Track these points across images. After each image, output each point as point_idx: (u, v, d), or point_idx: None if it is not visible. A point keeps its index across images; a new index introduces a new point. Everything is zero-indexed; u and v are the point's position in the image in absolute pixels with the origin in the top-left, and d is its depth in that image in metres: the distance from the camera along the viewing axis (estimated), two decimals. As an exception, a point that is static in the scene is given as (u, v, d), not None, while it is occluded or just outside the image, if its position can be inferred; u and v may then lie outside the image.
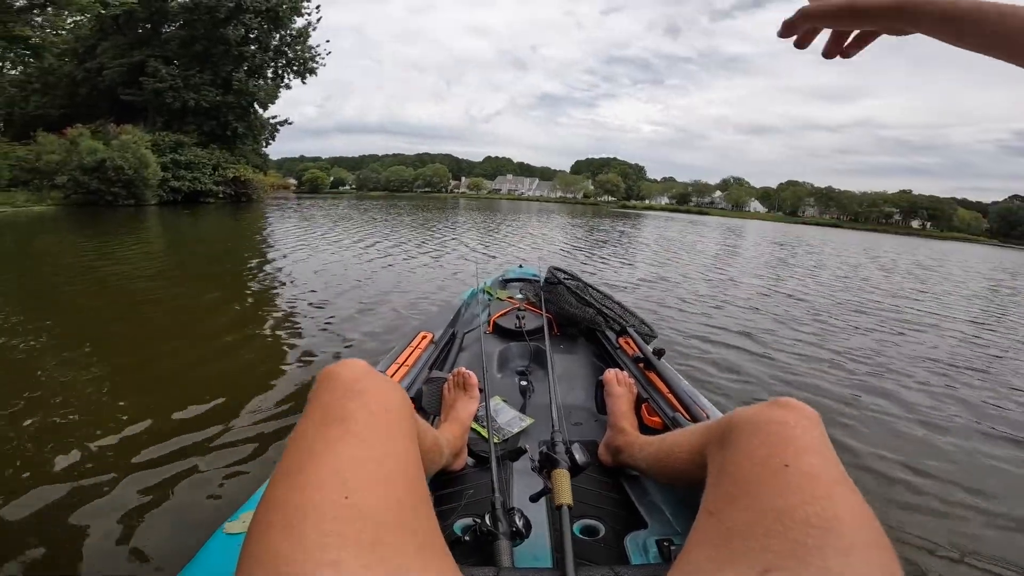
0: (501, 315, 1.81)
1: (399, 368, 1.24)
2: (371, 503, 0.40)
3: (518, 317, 1.75)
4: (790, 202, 74.33)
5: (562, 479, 0.68)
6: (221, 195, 18.21)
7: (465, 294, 2.19)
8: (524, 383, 1.34)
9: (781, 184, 79.73)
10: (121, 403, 2.02)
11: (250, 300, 4.01)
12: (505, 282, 2.47)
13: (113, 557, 1.20)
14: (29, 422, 1.83)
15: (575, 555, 0.56)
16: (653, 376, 1.25)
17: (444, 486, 0.90)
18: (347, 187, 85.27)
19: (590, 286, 1.77)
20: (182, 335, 3.02)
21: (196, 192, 17.10)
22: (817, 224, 59.14)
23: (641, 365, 1.33)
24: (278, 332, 3.11)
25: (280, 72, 21.57)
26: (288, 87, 21.93)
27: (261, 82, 20.56)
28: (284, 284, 4.57)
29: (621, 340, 1.59)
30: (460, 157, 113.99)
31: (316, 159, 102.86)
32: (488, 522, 0.66)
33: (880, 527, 0.40)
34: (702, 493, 0.51)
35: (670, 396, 1.12)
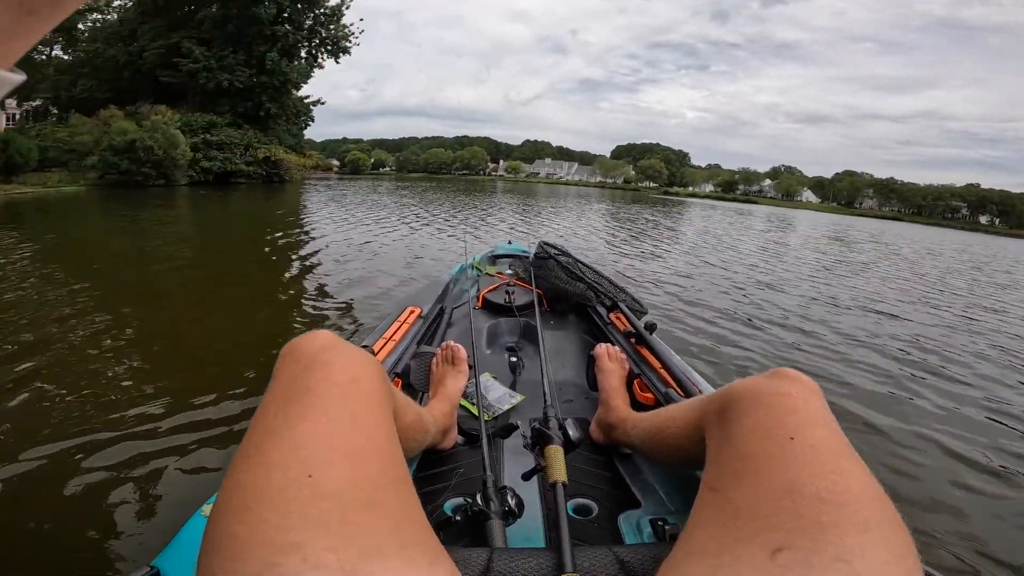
0: (490, 290, 1.78)
1: (386, 343, 1.20)
2: (337, 481, 0.37)
3: (507, 292, 1.71)
4: (846, 193, 70.15)
5: (556, 455, 0.67)
6: (253, 175, 18.24)
7: (454, 269, 2.14)
8: (514, 359, 1.32)
9: (837, 174, 75.36)
10: (121, 370, 2.10)
11: (274, 281, 4.04)
12: (494, 258, 2.42)
13: (92, 539, 1.18)
14: (29, 388, 1.89)
15: (569, 535, 0.53)
16: (645, 351, 1.23)
17: (433, 465, 0.88)
18: (387, 168, 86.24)
19: (580, 262, 1.73)
20: (201, 310, 3.13)
21: (227, 172, 17.16)
22: (876, 216, 55.59)
23: (633, 340, 1.30)
24: (304, 309, 3.21)
25: (313, 52, 21.45)
26: (321, 66, 21.82)
27: (295, 63, 20.43)
28: (316, 266, 4.57)
29: (612, 315, 1.56)
30: (499, 140, 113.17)
31: (358, 141, 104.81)
32: (479, 501, 0.64)
33: (889, 501, 0.39)
34: (696, 471, 0.49)
35: (662, 371, 1.10)
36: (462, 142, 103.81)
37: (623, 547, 0.54)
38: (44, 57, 20.12)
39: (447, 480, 0.82)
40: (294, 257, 5.03)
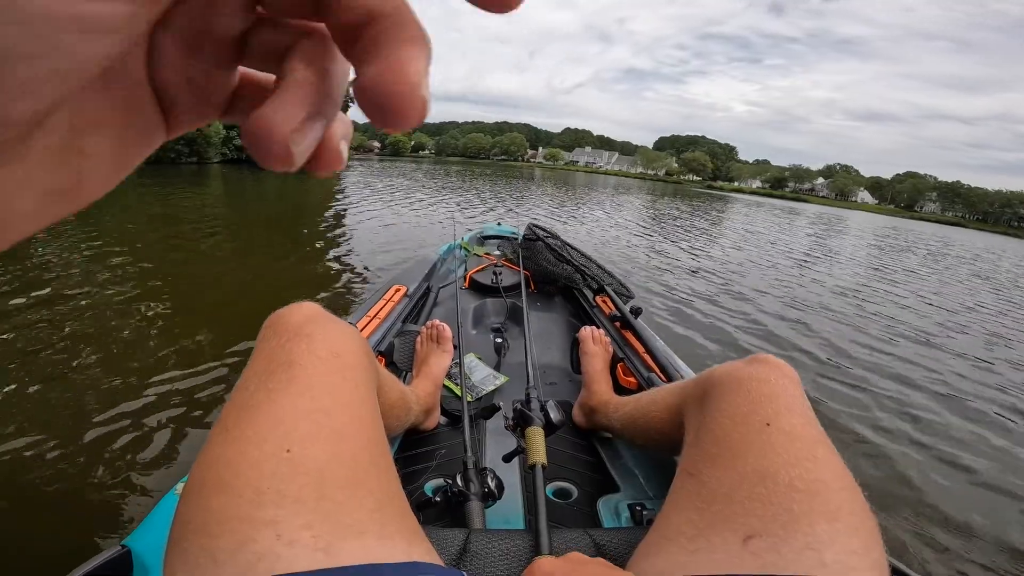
0: (478, 271, 1.77)
1: (371, 320, 1.19)
2: (317, 458, 0.35)
3: (495, 273, 1.70)
4: (907, 195, 66.02)
5: (536, 437, 0.66)
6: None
7: (441, 249, 2.10)
8: (499, 340, 1.30)
9: (897, 175, 71.30)
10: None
11: (298, 259, 3.99)
12: (483, 239, 2.37)
13: (61, 518, 1.15)
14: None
15: (548, 517, 0.53)
16: (630, 335, 1.22)
17: (415, 446, 0.87)
18: (426, 152, 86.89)
19: (569, 244, 1.73)
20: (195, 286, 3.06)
21: (261, 152, 17.50)
22: (937, 221, 52.13)
23: (618, 324, 1.30)
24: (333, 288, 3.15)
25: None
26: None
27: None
28: (340, 242, 4.56)
29: (598, 299, 1.57)
30: (538, 127, 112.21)
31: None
32: (459, 483, 0.64)
33: (860, 490, 0.39)
34: (676, 457, 0.49)
35: (646, 356, 1.10)
36: (501, 128, 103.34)
37: (600, 530, 0.54)
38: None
39: (428, 461, 0.81)
40: (320, 236, 5.01)
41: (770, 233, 10.33)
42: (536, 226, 1.81)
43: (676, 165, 77.33)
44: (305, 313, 0.48)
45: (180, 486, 0.63)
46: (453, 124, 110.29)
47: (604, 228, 7.47)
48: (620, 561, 0.48)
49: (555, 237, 1.75)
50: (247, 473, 0.33)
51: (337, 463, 0.36)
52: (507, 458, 0.73)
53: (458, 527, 0.56)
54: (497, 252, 2.11)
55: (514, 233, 2.37)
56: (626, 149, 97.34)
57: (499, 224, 2.70)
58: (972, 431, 2.14)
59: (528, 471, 0.66)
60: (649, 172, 76.16)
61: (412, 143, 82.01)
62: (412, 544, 0.36)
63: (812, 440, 0.42)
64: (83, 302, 2.55)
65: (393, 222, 5.95)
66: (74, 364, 1.89)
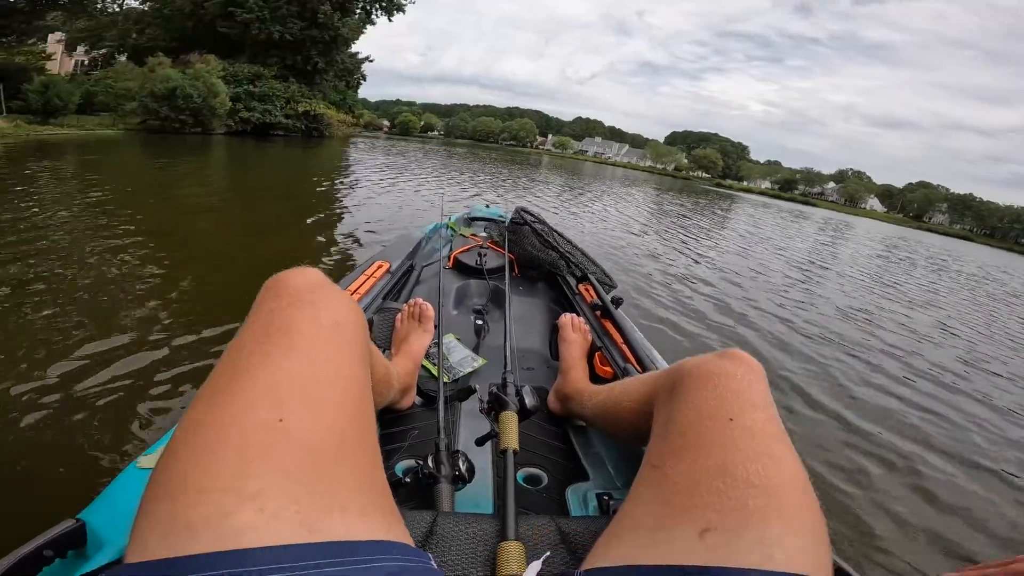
0: (462, 251, 1.75)
1: (351, 295, 1.11)
2: (309, 429, 0.34)
3: (480, 255, 1.70)
4: (917, 205, 65.35)
5: (509, 422, 0.67)
6: (292, 129, 18.17)
7: (427, 227, 2.07)
8: (479, 322, 1.30)
9: (909, 184, 70.25)
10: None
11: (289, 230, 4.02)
12: (470, 220, 2.38)
13: (10, 488, 1.11)
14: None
15: (516, 503, 0.53)
16: (609, 325, 1.23)
17: (389, 425, 0.86)
18: (435, 133, 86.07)
19: (555, 231, 1.73)
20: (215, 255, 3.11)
21: (266, 124, 17.15)
22: (945, 233, 51.68)
23: (598, 313, 1.31)
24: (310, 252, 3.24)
25: (368, 7, 21.19)
26: (373, 23, 21.53)
27: (347, 18, 20.15)
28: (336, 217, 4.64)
29: (581, 287, 1.57)
30: (550, 115, 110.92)
31: (411, 104, 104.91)
32: (430, 464, 0.64)
33: (812, 489, 0.40)
34: (645, 447, 0.50)
35: (624, 347, 1.10)
36: (512, 113, 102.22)
37: (566, 519, 0.54)
38: (117, 7, 20.50)
39: (401, 441, 0.81)
40: (311, 209, 5.04)
41: (772, 233, 10.21)
42: (524, 210, 1.81)
43: (686, 161, 76.50)
44: (309, 279, 0.46)
45: (143, 459, 0.61)
46: (464, 107, 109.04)
47: (600, 219, 7.36)
48: (584, 550, 0.47)
49: (542, 222, 1.74)
50: (235, 440, 0.32)
51: (328, 436, 0.35)
52: (479, 441, 0.72)
53: (427, 509, 0.56)
54: (483, 234, 2.09)
55: (502, 216, 2.35)
56: (637, 142, 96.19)
57: (487, 206, 2.69)
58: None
59: (499, 456, 0.66)
60: (658, 166, 75.39)
61: (422, 123, 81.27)
62: (391, 524, 0.35)
63: (772, 436, 0.42)
64: (53, 255, 2.52)
65: (385, 202, 5.91)
66: (35, 319, 1.85)
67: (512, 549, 0.47)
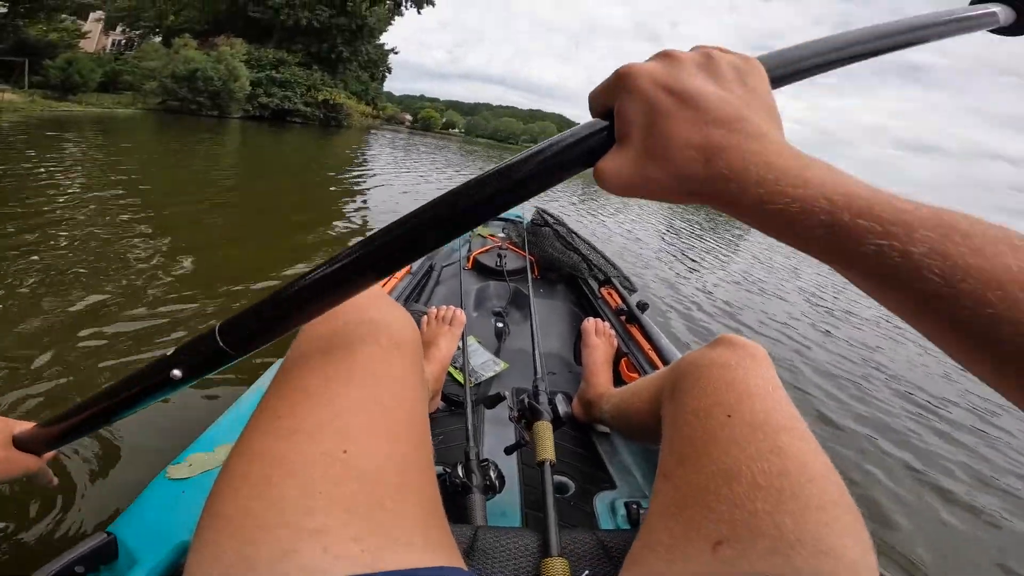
0: (482, 252, 1.73)
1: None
2: (373, 460, 0.32)
3: (499, 256, 1.66)
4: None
5: (545, 433, 0.64)
6: (309, 116, 18.14)
7: None
8: (500, 325, 1.28)
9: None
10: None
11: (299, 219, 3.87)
12: None
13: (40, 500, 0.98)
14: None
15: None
16: (635, 331, 1.19)
17: None
18: (457, 130, 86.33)
19: (576, 233, 1.70)
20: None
21: (284, 111, 17.15)
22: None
23: (623, 318, 1.27)
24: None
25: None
26: (401, 14, 21.59)
27: (376, 7, 20.18)
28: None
29: (603, 290, 1.54)
30: (571, 119, 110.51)
31: (434, 100, 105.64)
32: (461, 473, 0.62)
33: (838, 478, 0.36)
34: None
35: (651, 353, 1.07)
36: (534, 115, 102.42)
37: (607, 532, 0.53)
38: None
39: None
40: (330, 199, 4.98)
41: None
42: (544, 211, 1.78)
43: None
44: (368, 294, 0.39)
45: (171, 468, 0.59)
46: (487, 106, 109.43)
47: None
48: (621, 565, 0.44)
49: (562, 224, 1.72)
50: (299, 473, 0.30)
51: (390, 466, 0.33)
52: (509, 451, 0.70)
53: (458, 522, 0.53)
54: (502, 234, 2.05)
55: (519, 217, 2.29)
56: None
57: None
58: None
59: (529, 466, 0.66)
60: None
61: (444, 120, 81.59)
62: (452, 555, 0.33)
63: (776, 428, 0.38)
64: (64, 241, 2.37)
65: (406, 190, 5.80)
66: (60, 324, 1.66)
67: (557, 565, 0.44)
